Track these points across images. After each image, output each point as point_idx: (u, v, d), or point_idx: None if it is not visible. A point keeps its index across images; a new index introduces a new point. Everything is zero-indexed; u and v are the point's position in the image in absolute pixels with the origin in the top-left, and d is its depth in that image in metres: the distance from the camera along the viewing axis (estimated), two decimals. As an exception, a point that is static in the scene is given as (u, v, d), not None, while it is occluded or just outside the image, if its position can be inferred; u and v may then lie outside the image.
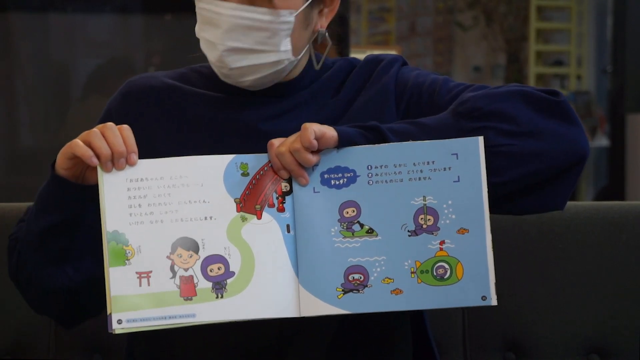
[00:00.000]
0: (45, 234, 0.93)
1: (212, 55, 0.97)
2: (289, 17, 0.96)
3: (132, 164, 0.88)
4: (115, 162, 0.87)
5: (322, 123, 0.94)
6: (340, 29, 1.67)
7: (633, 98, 3.79)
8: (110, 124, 0.88)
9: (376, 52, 2.84)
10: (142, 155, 0.90)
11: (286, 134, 0.92)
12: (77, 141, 0.87)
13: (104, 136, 0.87)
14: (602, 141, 5.05)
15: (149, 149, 0.90)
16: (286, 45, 0.96)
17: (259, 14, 0.94)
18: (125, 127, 0.88)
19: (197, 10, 0.97)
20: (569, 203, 1.26)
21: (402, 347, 1.04)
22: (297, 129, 0.92)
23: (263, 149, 0.92)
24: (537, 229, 1.21)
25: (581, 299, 1.22)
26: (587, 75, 5.88)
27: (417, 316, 1.06)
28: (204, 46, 0.98)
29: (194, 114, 1.01)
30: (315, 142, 0.86)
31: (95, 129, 0.88)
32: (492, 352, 1.26)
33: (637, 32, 3.72)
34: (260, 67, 0.96)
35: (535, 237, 1.22)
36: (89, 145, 0.86)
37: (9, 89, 2.45)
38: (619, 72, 3.88)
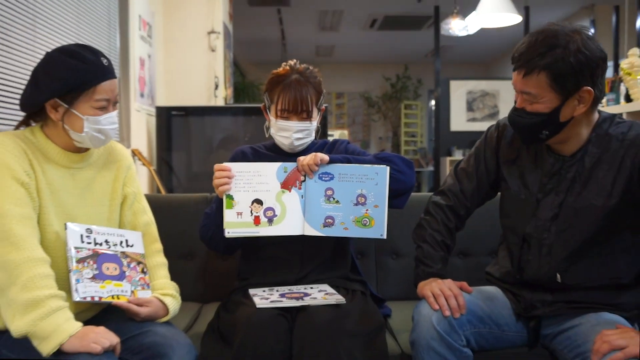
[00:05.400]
0: (216, 227, 1.44)
1: (286, 142, 1.45)
2: (315, 124, 1.48)
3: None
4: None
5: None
6: (323, 120, 2.92)
7: (442, 150, 5.50)
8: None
9: (338, 132, 5.70)
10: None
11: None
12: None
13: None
14: (429, 168, 7.38)
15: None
16: (313, 134, 1.51)
17: (306, 125, 1.45)
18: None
19: (273, 124, 1.44)
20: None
21: (344, 258, 1.57)
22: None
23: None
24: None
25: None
26: (424, 141, 8.37)
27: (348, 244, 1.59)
28: (279, 138, 1.46)
29: (267, 161, 1.46)
30: (319, 161, 1.33)
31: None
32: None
33: (443, 122, 5.48)
34: (305, 143, 1.50)
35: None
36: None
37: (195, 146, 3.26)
38: (436, 139, 5.37)
